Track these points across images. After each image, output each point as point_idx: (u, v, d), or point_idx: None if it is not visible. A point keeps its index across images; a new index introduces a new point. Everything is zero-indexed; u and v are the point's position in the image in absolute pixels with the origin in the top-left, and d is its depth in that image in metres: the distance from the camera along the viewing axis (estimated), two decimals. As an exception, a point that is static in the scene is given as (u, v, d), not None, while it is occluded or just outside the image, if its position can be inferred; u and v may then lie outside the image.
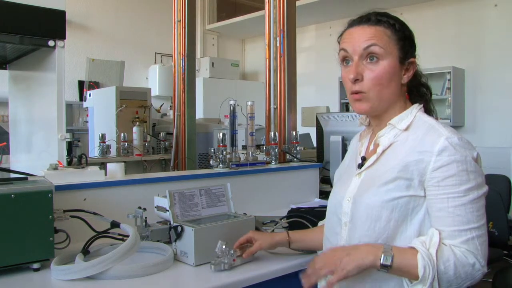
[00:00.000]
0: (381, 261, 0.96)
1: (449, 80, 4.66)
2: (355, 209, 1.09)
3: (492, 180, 3.47)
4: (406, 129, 1.09)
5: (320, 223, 1.41)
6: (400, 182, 1.03)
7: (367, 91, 1.09)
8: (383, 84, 1.08)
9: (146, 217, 1.49)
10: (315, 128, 2.62)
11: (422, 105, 1.15)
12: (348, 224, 1.11)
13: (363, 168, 1.13)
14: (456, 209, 0.98)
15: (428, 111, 1.17)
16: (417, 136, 1.06)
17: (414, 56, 1.13)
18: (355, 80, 1.09)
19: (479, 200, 1.00)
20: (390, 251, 0.97)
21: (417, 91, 1.17)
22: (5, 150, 2.23)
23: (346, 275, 0.97)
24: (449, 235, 0.98)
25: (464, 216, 0.98)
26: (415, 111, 1.12)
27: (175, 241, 1.39)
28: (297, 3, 2.68)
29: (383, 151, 1.10)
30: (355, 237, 1.07)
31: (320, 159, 2.55)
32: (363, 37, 1.09)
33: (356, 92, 1.10)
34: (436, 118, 1.14)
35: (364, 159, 1.15)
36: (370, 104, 1.10)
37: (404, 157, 1.04)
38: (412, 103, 1.15)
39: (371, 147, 1.17)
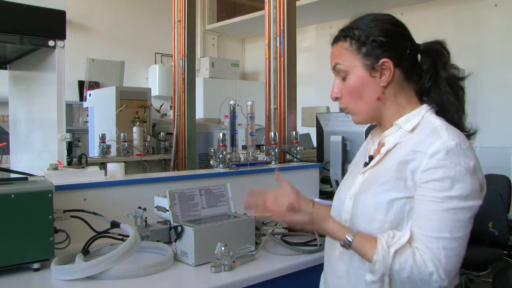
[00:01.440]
0: (342, 243, 1.05)
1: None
2: (355, 208, 1.10)
3: (492, 180, 3.46)
4: (412, 130, 1.07)
5: None
6: (397, 182, 1.02)
7: (348, 106, 1.14)
8: (356, 96, 1.11)
9: (146, 217, 1.50)
10: (315, 128, 2.62)
11: (431, 106, 1.10)
12: (348, 223, 1.11)
13: (367, 167, 1.13)
14: (430, 213, 0.97)
15: (443, 112, 1.09)
16: (420, 138, 1.04)
17: (392, 56, 1.07)
18: (336, 98, 1.14)
19: (459, 211, 0.96)
20: (353, 235, 1.03)
21: (427, 91, 1.11)
22: (5, 150, 2.23)
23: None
24: (418, 238, 0.97)
25: (436, 223, 0.96)
26: (423, 111, 1.09)
27: (175, 241, 1.39)
28: (297, 3, 2.68)
29: (387, 152, 1.09)
30: None
31: (320, 159, 2.55)
32: (331, 58, 1.14)
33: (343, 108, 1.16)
34: (457, 124, 1.07)
35: (371, 158, 1.15)
36: (359, 117, 1.15)
37: (402, 158, 1.03)
38: (424, 102, 1.11)
39: (377, 146, 1.17)
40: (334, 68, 1.13)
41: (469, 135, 1.08)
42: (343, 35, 1.11)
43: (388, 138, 1.11)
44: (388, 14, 1.13)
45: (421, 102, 1.13)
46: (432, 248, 0.95)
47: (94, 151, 3.55)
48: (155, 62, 6.38)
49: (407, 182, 1.02)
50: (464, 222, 0.97)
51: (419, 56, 1.13)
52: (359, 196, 1.10)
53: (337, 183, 2.28)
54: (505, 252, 3.00)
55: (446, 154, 0.97)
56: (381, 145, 1.13)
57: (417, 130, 1.06)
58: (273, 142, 2.32)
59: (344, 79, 1.11)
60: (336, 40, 1.13)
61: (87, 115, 4.60)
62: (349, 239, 1.02)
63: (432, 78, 1.10)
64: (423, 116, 1.08)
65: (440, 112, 1.09)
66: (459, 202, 0.96)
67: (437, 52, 1.11)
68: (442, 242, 0.95)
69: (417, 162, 1.00)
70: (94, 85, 4.70)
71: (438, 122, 1.06)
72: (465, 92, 1.12)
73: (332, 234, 1.07)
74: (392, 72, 1.07)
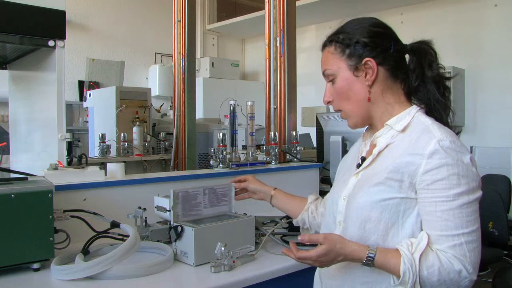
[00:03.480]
0: (364, 261, 1.00)
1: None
2: (348, 208, 1.10)
3: (492, 180, 3.47)
4: (403, 130, 1.08)
5: (309, 197, 1.45)
6: (391, 183, 1.03)
7: (340, 108, 1.16)
8: (344, 98, 1.14)
9: (146, 217, 1.50)
10: (315, 128, 2.62)
11: (420, 106, 1.11)
12: (342, 223, 1.11)
13: (360, 168, 1.14)
14: (444, 213, 0.97)
15: (431, 112, 1.10)
16: (412, 138, 1.05)
17: (374, 55, 1.09)
18: (328, 102, 1.18)
19: (470, 205, 0.98)
20: (374, 251, 1.00)
21: (415, 91, 1.13)
22: (5, 150, 2.23)
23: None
24: (437, 240, 0.98)
25: (452, 221, 0.97)
26: (414, 111, 1.10)
27: (175, 241, 1.39)
28: (297, 3, 2.68)
29: (379, 152, 1.10)
30: (347, 236, 1.07)
31: (320, 159, 2.55)
32: (321, 64, 1.19)
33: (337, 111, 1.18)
34: (445, 123, 1.09)
35: (363, 159, 1.16)
36: (352, 120, 1.16)
37: (396, 159, 1.04)
38: (414, 103, 1.13)
39: (369, 147, 1.17)
40: (324, 74, 1.17)
41: (456, 133, 1.09)
42: (329, 40, 1.17)
43: (379, 139, 1.12)
44: (373, 17, 1.16)
45: (410, 101, 1.14)
46: (455, 246, 0.96)
47: (94, 151, 3.55)
48: (155, 62, 6.38)
49: (402, 184, 1.02)
50: (476, 214, 0.99)
51: (407, 56, 1.14)
52: (352, 197, 1.10)
53: (337, 183, 2.27)
54: (505, 252, 3.00)
55: (445, 152, 0.98)
56: (373, 146, 1.14)
57: (408, 130, 1.08)
58: (273, 142, 2.32)
59: (333, 82, 1.15)
60: (323, 46, 1.18)
61: (87, 115, 4.60)
62: (371, 255, 0.99)
63: (418, 77, 1.11)
64: (413, 116, 1.09)
65: (430, 112, 1.11)
66: (469, 196, 0.98)
67: (422, 51, 1.12)
68: (463, 237, 0.96)
69: (415, 165, 1.00)
70: (94, 85, 4.70)
71: (429, 121, 1.07)
72: (451, 92, 1.14)
73: (353, 255, 1.02)
74: (375, 71, 1.10)
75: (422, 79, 1.11)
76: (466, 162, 0.99)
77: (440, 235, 0.97)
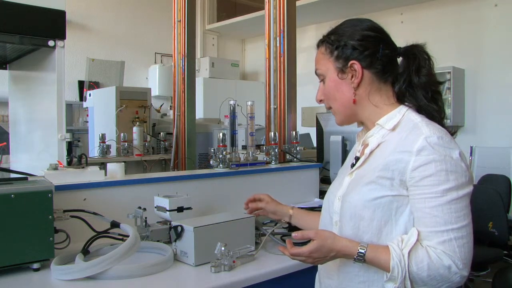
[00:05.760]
0: (355, 257, 1.01)
1: (449, 80, 4.66)
2: (343, 208, 1.11)
3: (492, 180, 3.47)
4: (393, 129, 1.09)
5: None
6: (382, 181, 1.03)
7: (329, 106, 1.19)
8: (331, 98, 1.17)
9: (146, 217, 1.50)
10: (315, 128, 2.62)
11: (410, 105, 1.11)
12: (338, 223, 1.12)
13: (353, 168, 1.15)
14: (433, 209, 0.98)
15: (421, 110, 1.10)
16: (401, 136, 1.05)
17: (360, 58, 1.10)
18: (320, 101, 1.20)
19: (459, 201, 0.98)
20: (365, 247, 1.00)
21: (403, 94, 1.12)
22: (5, 150, 2.23)
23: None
24: (426, 236, 0.98)
25: (441, 217, 0.97)
26: (404, 110, 1.11)
27: (175, 241, 1.39)
28: (297, 3, 2.68)
29: (371, 152, 1.10)
30: (343, 236, 1.08)
31: (320, 159, 2.55)
32: (314, 63, 1.20)
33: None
34: (439, 121, 1.09)
35: (357, 159, 1.16)
36: (338, 117, 1.19)
37: (387, 157, 1.04)
38: (403, 102, 1.13)
39: (361, 147, 1.18)
40: (315, 73, 1.19)
41: (452, 133, 1.09)
42: (321, 40, 1.18)
43: (371, 139, 1.13)
44: (368, 19, 1.16)
45: (402, 103, 1.13)
46: (444, 241, 0.96)
47: (94, 151, 3.55)
48: (155, 62, 6.38)
49: (393, 181, 1.02)
50: (466, 209, 0.99)
51: (401, 59, 1.14)
52: (346, 196, 1.11)
53: (337, 183, 2.28)
54: (505, 252, 3.00)
55: (432, 148, 0.99)
56: (365, 145, 1.15)
57: (399, 128, 1.08)
58: (273, 142, 2.32)
59: (323, 82, 1.17)
60: (317, 46, 1.20)
61: (87, 115, 4.60)
62: (362, 251, 1.00)
63: (405, 82, 1.11)
64: (403, 115, 1.10)
65: (420, 111, 1.11)
66: (458, 192, 0.98)
67: (411, 56, 1.12)
68: (452, 233, 0.96)
69: (404, 162, 1.01)
70: (94, 85, 4.70)
71: (418, 119, 1.07)
72: (442, 95, 1.13)
73: (344, 251, 1.03)
74: (360, 74, 1.10)
75: (409, 84, 1.11)
76: (455, 158, 0.99)
77: (430, 231, 0.98)
